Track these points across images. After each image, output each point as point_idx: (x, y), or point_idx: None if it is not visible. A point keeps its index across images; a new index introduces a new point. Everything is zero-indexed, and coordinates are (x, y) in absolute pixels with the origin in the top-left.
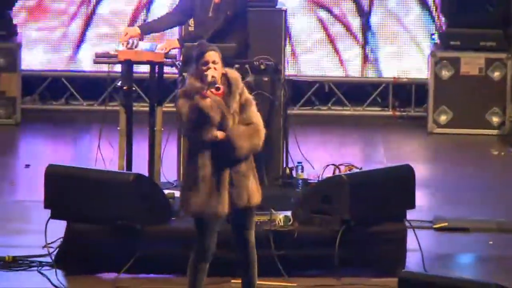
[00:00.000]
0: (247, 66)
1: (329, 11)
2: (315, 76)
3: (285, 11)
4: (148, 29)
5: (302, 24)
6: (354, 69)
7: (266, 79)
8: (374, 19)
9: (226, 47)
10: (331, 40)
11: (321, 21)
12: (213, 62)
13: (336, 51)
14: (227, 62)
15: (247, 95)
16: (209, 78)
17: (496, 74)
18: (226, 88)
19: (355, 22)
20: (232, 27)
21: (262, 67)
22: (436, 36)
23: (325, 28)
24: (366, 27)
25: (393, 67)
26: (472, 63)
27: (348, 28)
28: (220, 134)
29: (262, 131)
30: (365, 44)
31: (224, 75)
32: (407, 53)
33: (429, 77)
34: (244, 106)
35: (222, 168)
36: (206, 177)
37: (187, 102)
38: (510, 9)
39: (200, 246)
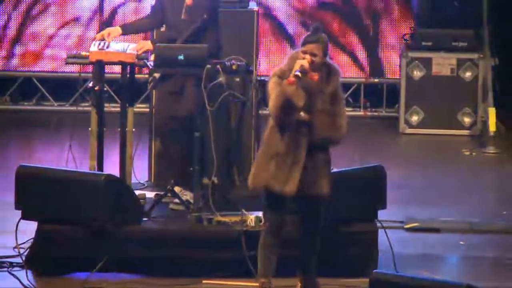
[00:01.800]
0: (218, 66)
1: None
2: None
3: (257, 11)
4: (128, 30)
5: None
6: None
7: (237, 79)
8: None
9: (198, 47)
10: None
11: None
12: (311, 54)
13: None
14: (199, 63)
15: (340, 92)
16: (297, 66)
17: (468, 75)
18: (325, 76)
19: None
20: (204, 28)
21: (234, 67)
22: (408, 37)
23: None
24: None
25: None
26: (443, 63)
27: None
28: (304, 116)
29: (343, 129)
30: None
31: (327, 65)
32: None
33: (400, 78)
34: (334, 99)
35: (300, 151)
36: (280, 154)
37: (278, 83)
38: (482, 10)
39: (267, 221)
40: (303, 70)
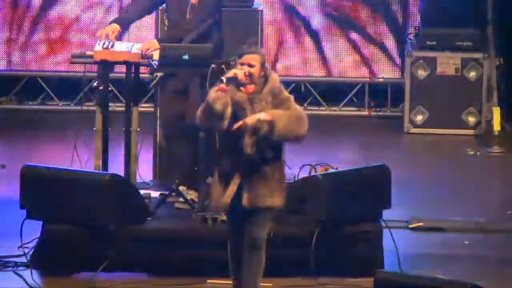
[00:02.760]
0: (223, 66)
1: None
2: (291, 76)
3: (261, 11)
4: (123, 23)
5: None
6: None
7: None
8: None
9: (203, 47)
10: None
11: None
12: (249, 65)
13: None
14: (203, 62)
15: (284, 95)
16: (229, 74)
17: (472, 74)
18: (262, 85)
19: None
20: (208, 28)
21: None
22: (412, 36)
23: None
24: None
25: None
26: (448, 63)
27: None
28: (238, 124)
29: (304, 119)
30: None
31: (265, 76)
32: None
33: (405, 77)
34: (280, 105)
35: (235, 164)
36: (220, 174)
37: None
38: (487, 9)
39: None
40: (232, 78)
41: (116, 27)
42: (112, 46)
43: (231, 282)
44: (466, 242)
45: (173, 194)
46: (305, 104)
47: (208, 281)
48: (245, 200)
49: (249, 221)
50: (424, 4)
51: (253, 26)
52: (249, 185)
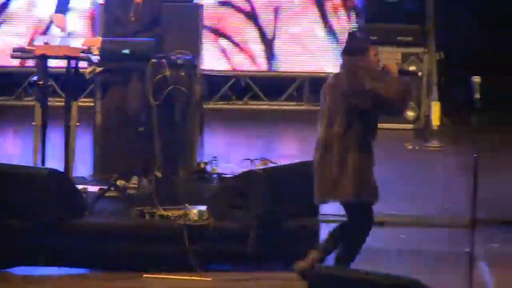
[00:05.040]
0: (164, 60)
1: None
2: (231, 71)
3: (202, 5)
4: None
5: None
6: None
7: (183, 73)
8: None
9: (144, 42)
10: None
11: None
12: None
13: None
14: (145, 57)
15: None
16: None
17: (412, 69)
18: None
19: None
20: (149, 23)
21: (179, 61)
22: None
23: None
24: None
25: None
26: (389, 57)
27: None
28: None
29: None
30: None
31: None
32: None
33: None
34: None
35: None
36: None
37: None
38: (427, 4)
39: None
40: None
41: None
42: (52, 41)
43: (167, 276)
44: (402, 236)
45: (112, 188)
46: (245, 99)
47: (145, 275)
48: None
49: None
50: None
51: (194, 20)
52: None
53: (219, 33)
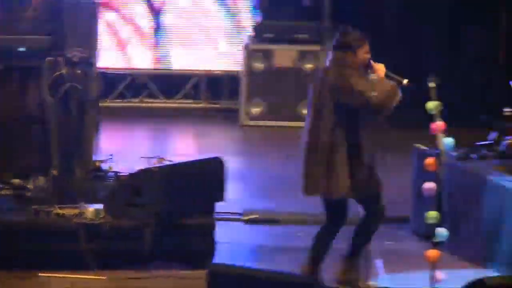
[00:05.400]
0: (60, 58)
1: None
2: (128, 69)
3: (99, 3)
4: None
5: None
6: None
7: (79, 71)
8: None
9: (39, 39)
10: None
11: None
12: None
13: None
14: (41, 54)
15: None
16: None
17: (309, 67)
18: None
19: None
20: (45, 20)
21: (75, 59)
22: (250, 29)
23: None
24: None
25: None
26: (285, 55)
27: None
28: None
29: None
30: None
31: None
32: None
33: (242, 70)
34: None
35: None
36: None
37: None
38: (323, 2)
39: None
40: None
41: None
42: None
43: (63, 275)
44: (299, 234)
45: (7, 187)
46: (141, 97)
47: (40, 274)
48: None
49: None
50: None
51: (91, 18)
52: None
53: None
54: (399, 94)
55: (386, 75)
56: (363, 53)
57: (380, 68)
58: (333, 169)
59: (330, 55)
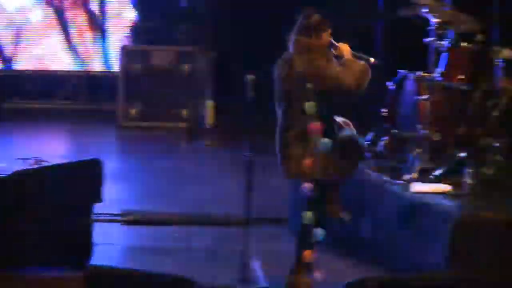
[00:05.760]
0: None
1: None
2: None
3: None
4: None
5: None
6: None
7: None
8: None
9: None
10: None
11: None
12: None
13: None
14: None
15: None
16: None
17: (186, 67)
18: None
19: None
20: None
21: None
22: (128, 30)
23: None
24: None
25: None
26: (162, 56)
27: None
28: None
29: None
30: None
31: None
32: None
33: (120, 71)
34: None
35: None
36: None
37: None
38: (203, 4)
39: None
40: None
41: None
42: None
43: None
44: (175, 235)
45: None
46: (17, 98)
47: None
48: None
49: None
50: None
51: None
52: None
53: None
54: (370, 73)
55: (353, 55)
56: (327, 36)
57: (345, 49)
58: (308, 153)
59: (293, 40)
